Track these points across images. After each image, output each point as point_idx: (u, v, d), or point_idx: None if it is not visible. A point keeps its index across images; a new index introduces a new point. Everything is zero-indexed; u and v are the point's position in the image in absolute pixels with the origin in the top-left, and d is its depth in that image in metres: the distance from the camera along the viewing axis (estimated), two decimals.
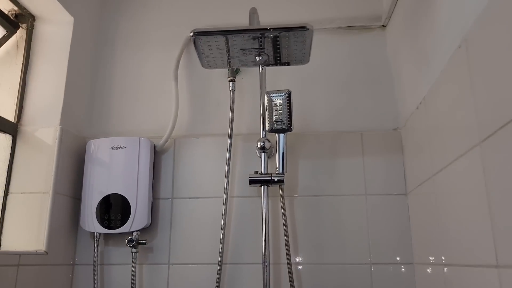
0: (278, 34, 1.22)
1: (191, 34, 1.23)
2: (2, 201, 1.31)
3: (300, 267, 1.35)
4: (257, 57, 1.33)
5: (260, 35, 1.23)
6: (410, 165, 1.32)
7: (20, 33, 1.44)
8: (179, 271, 1.39)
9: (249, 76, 1.54)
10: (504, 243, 0.69)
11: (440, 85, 1.01)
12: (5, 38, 1.40)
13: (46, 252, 1.28)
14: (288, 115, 1.24)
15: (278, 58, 1.34)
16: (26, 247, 1.25)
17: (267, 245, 1.29)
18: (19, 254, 1.17)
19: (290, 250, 1.33)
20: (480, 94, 0.78)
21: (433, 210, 1.09)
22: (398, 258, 1.32)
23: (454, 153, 0.92)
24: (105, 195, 1.39)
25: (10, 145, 1.36)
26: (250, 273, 1.36)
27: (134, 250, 1.37)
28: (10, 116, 1.37)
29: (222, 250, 1.35)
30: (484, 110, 0.77)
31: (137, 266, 1.39)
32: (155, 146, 1.47)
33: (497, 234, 0.71)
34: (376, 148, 1.42)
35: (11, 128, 1.36)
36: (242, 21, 1.51)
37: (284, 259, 1.34)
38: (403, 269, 1.31)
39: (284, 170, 1.33)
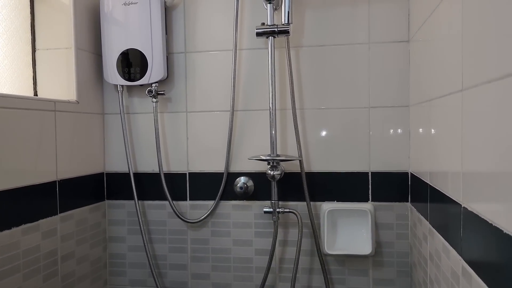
0: None
1: None
2: (32, 56, 1.45)
3: (304, 111, 1.48)
4: None
5: None
6: (414, 8, 1.33)
7: None
8: (195, 117, 1.55)
9: None
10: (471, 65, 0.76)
11: None
12: None
13: (77, 101, 1.45)
14: None
15: None
16: (59, 98, 1.42)
17: (273, 92, 1.41)
18: (54, 102, 1.33)
19: (295, 96, 1.45)
20: None
21: (429, 55, 1.14)
22: (395, 102, 1.42)
23: None
24: (123, 50, 1.49)
25: (29, 4, 1.43)
26: (258, 118, 1.50)
27: (154, 100, 1.52)
28: None
29: (233, 99, 1.49)
30: None
31: (158, 114, 1.56)
32: (165, 2, 1.52)
33: (466, 59, 0.78)
34: None
35: None
36: None
37: (289, 105, 1.47)
38: (398, 111, 1.42)
39: (290, 21, 1.38)
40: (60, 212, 1.35)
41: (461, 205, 0.81)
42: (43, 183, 1.27)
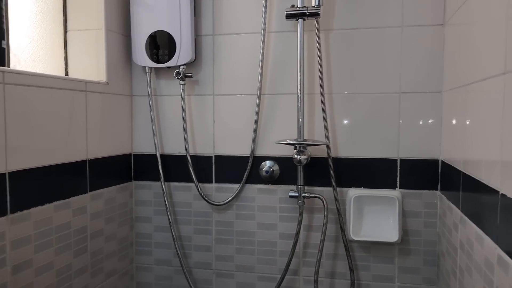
0: None
1: None
2: (63, 37, 1.47)
3: (332, 96, 1.46)
4: None
5: None
6: None
7: None
8: (222, 101, 1.55)
9: None
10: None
11: None
12: None
13: (107, 82, 1.46)
14: None
15: None
16: (89, 78, 1.43)
17: (301, 76, 1.39)
18: (85, 82, 1.35)
19: (324, 80, 1.43)
20: None
21: (468, 38, 1.11)
22: (427, 88, 1.38)
23: None
24: (152, 32, 1.50)
25: None
26: (285, 102, 1.49)
27: (182, 82, 1.52)
28: None
29: (260, 82, 1.48)
30: None
31: (185, 96, 1.56)
32: None
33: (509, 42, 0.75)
34: None
35: None
36: None
37: (317, 90, 1.45)
38: (430, 97, 1.38)
39: (320, 3, 1.36)
40: (90, 191, 1.37)
41: (498, 192, 0.78)
42: (74, 162, 1.30)
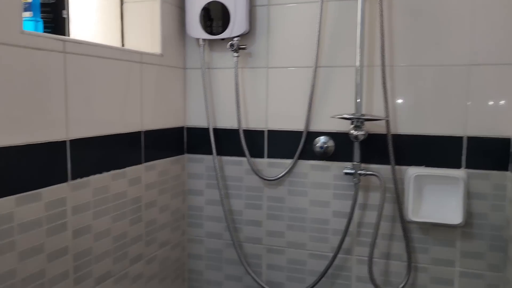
0: None
1: None
2: (119, 9, 1.47)
3: (393, 68, 1.37)
4: None
5: None
6: None
7: None
8: (276, 73, 1.50)
9: None
10: None
11: None
12: None
13: (161, 54, 1.46)
14: None
15: None
16: (144, 50, 1.44)
17: (361, 47, 1.31)
18: (141, 53, 1.35)
19: (385, 51, 1.34)
20: None
21: None
22: (500, 59, 1.27)
23: None
24: (206, 3, 1.47)
25: None
26: (342, 75, 1.42)
27: (235, 54, 1.49)
28: None
29: (317, 54, 1.42)
30: None
31: (239, 69, 1.53)
32: None
33: None
34: None
35: None
36: None
37: (377, 62, 1.37)
38: (504, 69, 1.26)
39: None
40: (144, 162, 1.39)
41: None
42: (130, 133, 1.32)
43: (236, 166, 1.58)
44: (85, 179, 1.14)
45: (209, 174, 1.62)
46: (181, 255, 1.65)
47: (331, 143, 1.45)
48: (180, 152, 1.62)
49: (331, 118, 1.43)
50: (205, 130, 1.59)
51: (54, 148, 1.03)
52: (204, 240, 1.66)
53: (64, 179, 1.07)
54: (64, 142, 1.06)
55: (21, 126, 0.94)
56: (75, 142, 1.09)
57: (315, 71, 1.43)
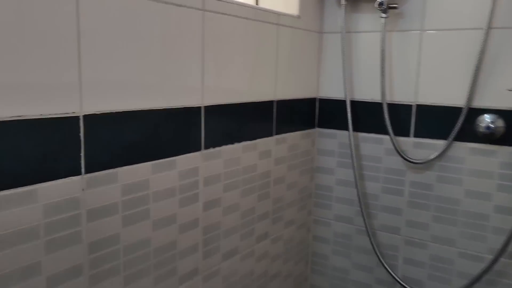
0: None
1: None
2: None
3: None
4: None
5: None
6: None
7: None
8: (432, 37, 1.26)
9: None
10: None
11: None
12: None
13: (298, 16, 1.32)
14: None
15: None
16: (280, 10, 1.31)
17: None
18: (278, 14, 1.22)
19: None
20: None
21: None
22: None
23: None
24: None
25: None
26: None
27: (383, 15, 1.28)
28: None
29: (491, 11, 1.14)
30: None
31: (386, 33, 1.32)
32: None
33: None
34: None
35: None
36: None
37: None
38: None
39: None
40: (275, 134, 1.28)
41: None
42: (262, 102, 1.21)
43: (375, 145, 1.39)
44: (217, 149, 1.06)
45: (342, 151, 1.46)
46: (306, 236, 1.54)
47: (500, 123, 1.18)
48: (311, 125, 1.48)
49: (502, 93, 1.15)
50: (341, 103, 1.42)
51: (190, 114, 0.97)
52: (331, 223, 1.51)
53: (198, 148, 1.00)
54: (199, 108, 0.99)
55: (158, 91, 0.88)
56: (209, 109, 1.02)
57: (486, 34, 1.15)
